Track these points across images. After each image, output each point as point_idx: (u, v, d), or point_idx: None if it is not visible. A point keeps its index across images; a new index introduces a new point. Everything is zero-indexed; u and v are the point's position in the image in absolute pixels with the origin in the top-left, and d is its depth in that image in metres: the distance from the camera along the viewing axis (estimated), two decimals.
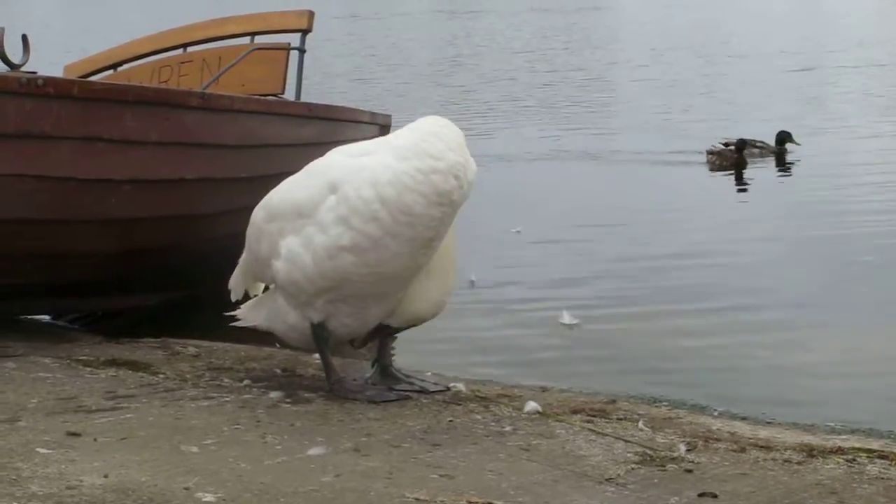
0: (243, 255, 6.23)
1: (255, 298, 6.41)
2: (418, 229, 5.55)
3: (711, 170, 14.82)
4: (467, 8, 54.06)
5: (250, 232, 6.06)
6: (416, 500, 4.43)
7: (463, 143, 5.63)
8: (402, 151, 5.53)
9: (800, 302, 8.98)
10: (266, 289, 6.35)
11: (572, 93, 23.00)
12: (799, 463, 5.09)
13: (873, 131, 17.24)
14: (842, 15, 43.15)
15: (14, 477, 4.52)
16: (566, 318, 8.63)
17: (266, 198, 6.00)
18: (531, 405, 5.83)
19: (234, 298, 6.43)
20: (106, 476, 4.56)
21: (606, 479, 4.82)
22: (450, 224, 5.72)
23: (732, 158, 14.84)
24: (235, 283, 6.38)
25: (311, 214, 5.63)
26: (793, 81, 23.89)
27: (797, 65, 26.37)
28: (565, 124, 18.84)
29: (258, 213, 6.00)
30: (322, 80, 22.43)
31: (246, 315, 6.39)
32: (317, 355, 6.59)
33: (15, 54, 7.32)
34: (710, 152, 15.06)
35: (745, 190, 14.19)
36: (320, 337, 5.92)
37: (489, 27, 43.06)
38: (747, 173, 14.63)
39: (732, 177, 14.51)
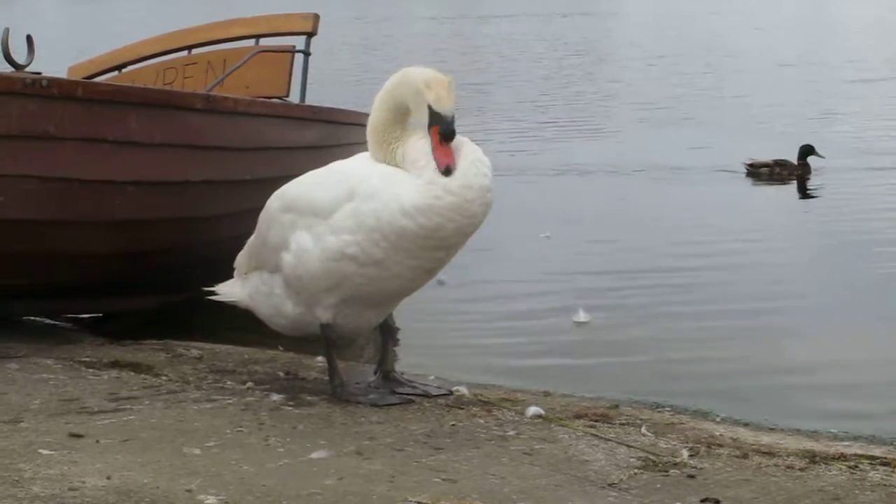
0: (251, 238, 6.22)
1: (236, 281, 6.41)
2: (420, 261, 5.61)
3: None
4: (478, 12, 53.93)
5: (263, 217, 6.07)
6: (419, 503, 4.43)
7: (483, 181, 5.54)
8: (410, 207, 5.45)
9: (805, 310, 8.98)
10: None
11: (597, 102, 22.75)
12: (801, 469, 5.09)
13: None
14: (852, 23, 43.04)
15: (16, 478, 4.52)
16: (581, 315, 8.67)
17: (284, 187, 5.99)
18: (533, 409, 5.84)
19: (236, 277, 6.43)
20: (108, 478, 4.55)
21: (609, 485, 4.82)
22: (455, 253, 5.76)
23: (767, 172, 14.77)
24: (240, 263, 6.38)
25: (326, 216, 5.63)
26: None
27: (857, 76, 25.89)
28: (593, 134, 18.70)
29: (273, 202, 6.00)
30: (327, 82, 22.40)
31: (227, 291, 6.41)
32: (319, 358, 6.60)
33: (19, 55, 7.33)
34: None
35: (776, 203, 14.04)
36: (328, 338, 5.92)
37: (503, 32, 42.93)
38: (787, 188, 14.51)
39: (767, 190, 14.37)
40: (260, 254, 6.11)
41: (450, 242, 5.57)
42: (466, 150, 5.55)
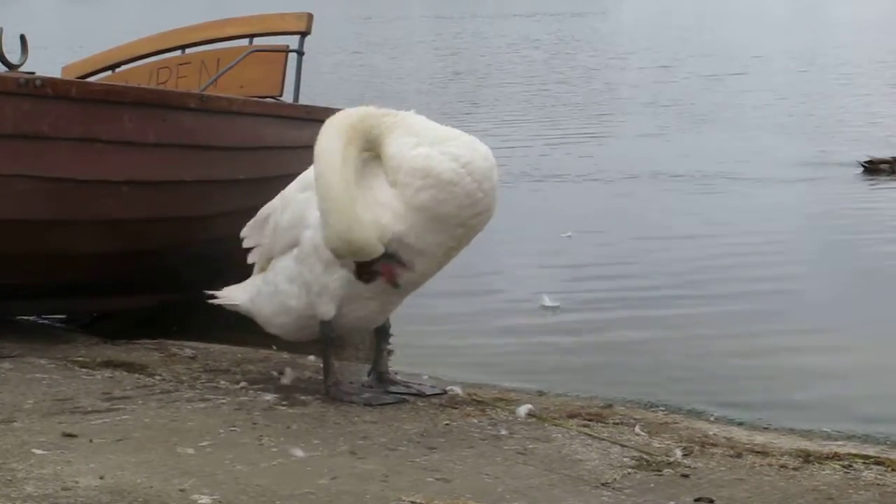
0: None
1: (236, 286, 6.42)
2: (441, 237, 5.62)
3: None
4: (486, 11, 53.77)
5: (277, 203, 6.10)
6: (412, 503, 4.43)
7: (484, 186, 5.60)
8: (418, 206, 5.52)
9: (798, 308, 8.99)
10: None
11: (637, 104, 22.48)
12: (795, 468, 5.09)
13: None
14: (852, 21, 42.96)
15: (9, 478, 4.51)
16: (546, 300, 8.86)
17: (301, 174, 6.03)
18: (523, 409, 5.84)
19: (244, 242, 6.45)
20: (102, 477, 4.55)
21: (602, 484, 4.82)
22: (472, 238, 5.76)
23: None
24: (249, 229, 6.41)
25: None
26: None
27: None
28: (635, 137, 18.48)
29: (291, 186, 6.06)
30: (321, 82, 22.33)
31: (227, 294, 6.43)
32: (312, 357, 6.60)
33: (13, 55, 7.32)
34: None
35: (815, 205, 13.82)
36: (327, 336, 5.92)
37: (514, 32, 42.81)
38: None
39: (795, 192, 14.23)
40: (272, 241, 6.09)
41: (464, 219, 5.58)
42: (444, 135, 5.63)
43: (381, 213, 5.50)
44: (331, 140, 5.52)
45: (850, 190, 14.10)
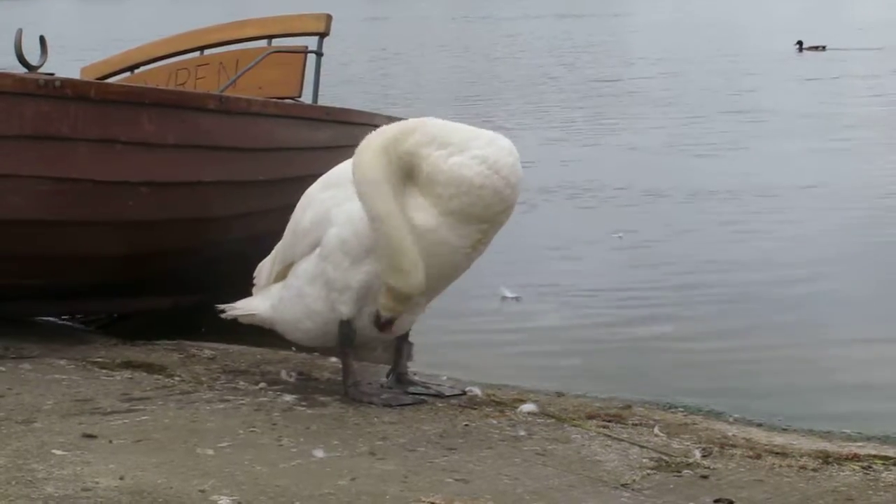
0: (278, 244, 6.22)
1: (254, 296, 6.40)
2: (464, 231, 5.60)
3: None
4: (488, 13, 53.71)
5: (299, 205, 6.08)
6: (432, 503, 4.43)
7: (513, 181, 5.60)
8: (450, 211, 5.54)
9: (816, 308, 8.97)
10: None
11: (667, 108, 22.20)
12: (815, 470, 5.08)
13: None
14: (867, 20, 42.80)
15: (30, 478, 4.52)
16: (506, 292, 9.10)
17: (324, 174, 6.04)
18: (528, 407, 5.84)
19: (256, 283, 6.43)
20: (121, 478, 4.56)
21: (622, 485, 4.82)
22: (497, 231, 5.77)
23: None
24: (261, 269, 6.38)
25: None
26: None
27: None
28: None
29: (313, 186, 6.05)
30: (339, 82, 22.31)
31: (243, 306, 6.40)
32: (333, 359, 6.60)
33: (32, 56, 7.34)
34: None
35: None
36: (346, 336, 5.91)
37: (517, 31, 42.71)
38: None
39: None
40: (292, 244, 6.07)
41: (492, 216, 5.60)
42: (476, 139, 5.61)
43: (415, 220, 5.51)
44: (384, 198, 5.47)
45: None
